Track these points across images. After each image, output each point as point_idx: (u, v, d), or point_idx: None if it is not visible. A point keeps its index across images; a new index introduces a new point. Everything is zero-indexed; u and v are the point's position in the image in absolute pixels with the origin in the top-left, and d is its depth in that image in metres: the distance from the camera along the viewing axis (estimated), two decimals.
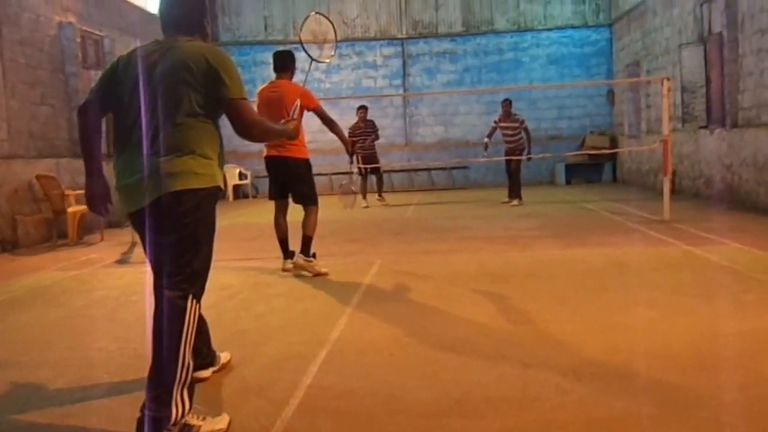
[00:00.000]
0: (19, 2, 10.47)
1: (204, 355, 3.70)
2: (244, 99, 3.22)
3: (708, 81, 12.31)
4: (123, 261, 8.43)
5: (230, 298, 5.87)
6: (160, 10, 3.38)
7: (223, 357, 3.93)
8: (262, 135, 3.51)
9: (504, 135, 13.47)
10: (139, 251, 8.90)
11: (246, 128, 3.23)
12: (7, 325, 5.42)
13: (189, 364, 3.02)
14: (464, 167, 18.77)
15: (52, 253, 9.37)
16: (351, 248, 8.50)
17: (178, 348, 2.98)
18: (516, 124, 13.29)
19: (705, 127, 12.42)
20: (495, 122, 13.66)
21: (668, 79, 10.02)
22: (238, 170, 18.13)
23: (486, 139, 13.59)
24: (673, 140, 11.13)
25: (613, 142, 18.38)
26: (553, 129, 19.18)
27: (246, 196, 18.71)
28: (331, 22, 5.82)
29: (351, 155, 7.55)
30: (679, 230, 8.63)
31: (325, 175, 18.15)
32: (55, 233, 10.20)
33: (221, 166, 3.28)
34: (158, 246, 3.12)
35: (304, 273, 6.73)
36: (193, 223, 3.10)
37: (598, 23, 19.18)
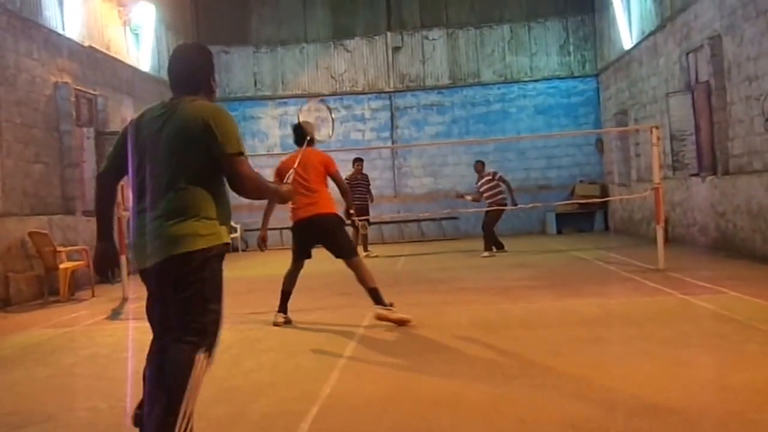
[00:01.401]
0: (17, 64, 10.62)
1: None
2: (240, 154, 3.24)
3: (697, 129, 12.44)
4: (114, 317, 8.35)
5: (220, 354, 5.72)
6: (168, 69, 3.49)
7: None
8: (256, 190, 3.51)
9: (484, 193, 13.80)
10: (130, 307, 8.82)
11: (240, 181, 3.25)
12: None
13: (190, 419, 2.99)
14: (454, 218, 18.77)
15: (43, 310, 9.29)
16: (342, 301, 8.42)
17: (180, 403, 2.96)
18: (489, 177, 13.69)
19: (696, 175, 12.50)
20: (477, 187, 14.09)
21: (657, 128, 10.14)
22: None
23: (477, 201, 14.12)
24: (665, 188, 11.18)
25: (604, 191, 18.49)
26: (543, 179, 19.32)
27: (236, 250, 18.63)
28: (329, 110, 6.42)
29: (349, 216, 7.36)
30: (675, 279, 8.60)
31: None
32: (47, 290, 10.11)
33: (227, 221, 3.32)
34: (166, 304, 3.18)
35: (387, 323, 6.61)
36: (200, 282, 3.15)
37: (585, 74, 19.49)
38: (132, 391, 3.80)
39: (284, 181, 4.59)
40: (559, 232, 18.55)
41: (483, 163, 14.19)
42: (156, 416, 2.96)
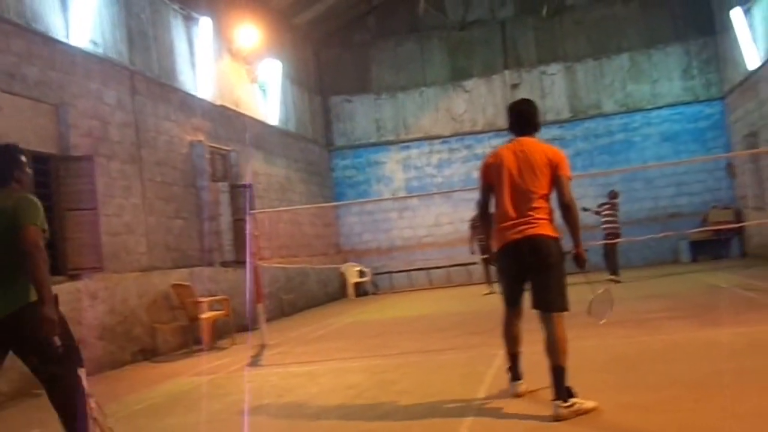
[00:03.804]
0: (156, 127, 11.41)
1: None
2: (29, 225, 3.96)
3: None
4: (253, 364, 8.69)
5: (356, 398, 5.94)
6: None
7: None
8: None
9: (604, 216, 14.48)
10: (268, 354, 9.18)
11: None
12: (150, 431, 5.71)
13: None
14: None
15: (188, 359, 9.75)
16: (473, 341, 8.39)
17: None
18: (610, 206, 14.52)
19: None
20: (600, 207, 14.71)
21: None
22: (357, 268, 18.52)
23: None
24: None
25: (738, 216, 17.63)
26: (673, 206, 18.76)
27: (366, 294, 19.00)
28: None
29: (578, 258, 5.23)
30: None
31: (442, 268, 18.32)
32: (191, 339, 10.59)
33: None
34: None
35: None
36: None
37: (710, 97, 18.81)
38: None
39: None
40: (693, 260, 17.98)
41: (616, 193, 14.82)
42: None
